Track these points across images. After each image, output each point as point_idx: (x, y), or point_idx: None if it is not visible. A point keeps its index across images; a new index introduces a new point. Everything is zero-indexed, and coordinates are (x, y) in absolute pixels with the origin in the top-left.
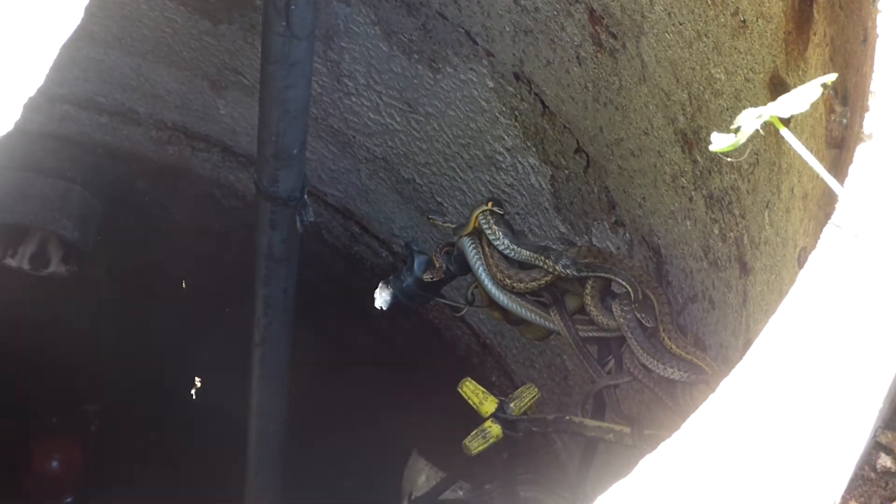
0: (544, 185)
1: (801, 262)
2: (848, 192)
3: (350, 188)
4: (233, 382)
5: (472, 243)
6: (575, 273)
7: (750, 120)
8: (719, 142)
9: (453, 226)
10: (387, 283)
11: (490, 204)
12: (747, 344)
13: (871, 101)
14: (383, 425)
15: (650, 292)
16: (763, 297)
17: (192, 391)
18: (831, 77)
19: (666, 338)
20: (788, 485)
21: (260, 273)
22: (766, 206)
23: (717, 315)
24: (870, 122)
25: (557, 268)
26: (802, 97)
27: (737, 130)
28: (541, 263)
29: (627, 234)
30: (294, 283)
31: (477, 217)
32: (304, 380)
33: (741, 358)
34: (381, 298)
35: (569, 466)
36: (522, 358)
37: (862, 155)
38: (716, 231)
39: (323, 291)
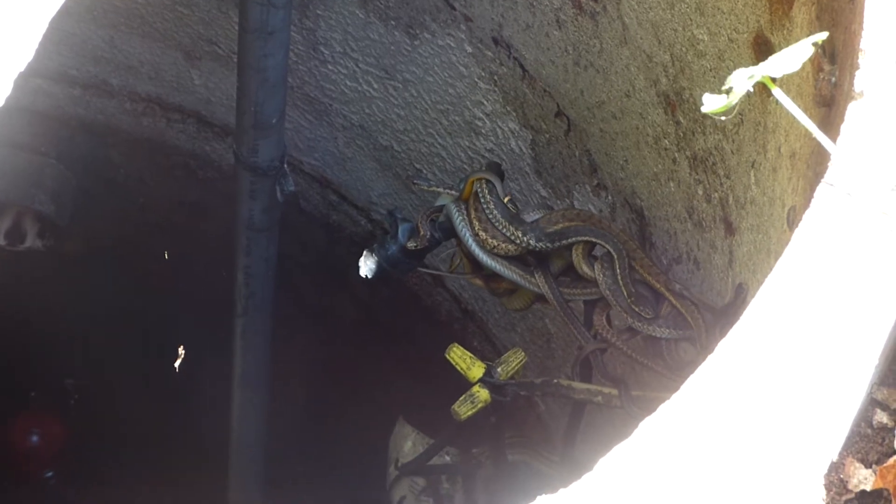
0: (525, 150)
1: (790, 222)
2: (840, 151)
3: (327, 156)
4: (215, 354)
5: (458, 208)
6: (545, 246)
7: (741, 81)
8: (711, 103)
9: (440, 190)
10: (371, 252)
11: (483, 176)
12: (730, 302)
13: (862, 59)
14: (367, 393)
15: (632, 253)
16: (750, 257)
17: (176, 364)
18: (822, 36)
19: (645, 274)
20: (787, 443)
21: (241, 243)
22: (752, 166)
23: (702, 275)
24: (861, 80)
25: (527, 241)
26: (793, 57)
27: (728, 91)
28: (512, 237)
29: (610, 197)
30: (275, 253)
31: (473, 183)
32: (287, 350)
33: (728, 318)
34: (366, 267)
35: (552, 428)
36: (504, 322)
37: (854, 113)
38: (700, 192)
39: (302, 261)
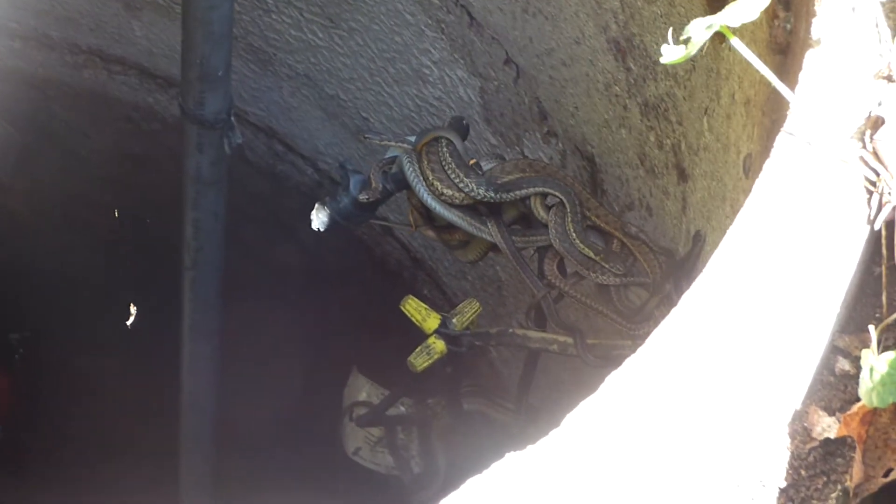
0: (473, 98)
1: (746, 169)
2: (799, 99)
3: (272, 106)
4: (163, 307)
5: (409, 159)
6: (498, 197)
7: (699, 31)
8: (670, 54)
9: (392, 143)
10: (323, 205)
11: (442, 135)
12: (686, 247)
13: (818, 7)
14: (319, 344)
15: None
16: (704, 204)
17: (128, 322)
18: None
19: (598, 220)
20: (751, 394)
21: (189, 197)
22: (705, 113)
23: (655, 222)
24: (817, 28)
25: (480, 192)
26: (751, 5)
27: (687, 42)
28: (465, 188)
29: (560, 145)
30: (224, 207)
31: (429, 140)
32: (236, 302)
33: (686, 267)
34: (318, 220)
35: (504, 375)
36: (455, 271)
37: (811, 61)
38: (652, 138)
39: (248, 212)
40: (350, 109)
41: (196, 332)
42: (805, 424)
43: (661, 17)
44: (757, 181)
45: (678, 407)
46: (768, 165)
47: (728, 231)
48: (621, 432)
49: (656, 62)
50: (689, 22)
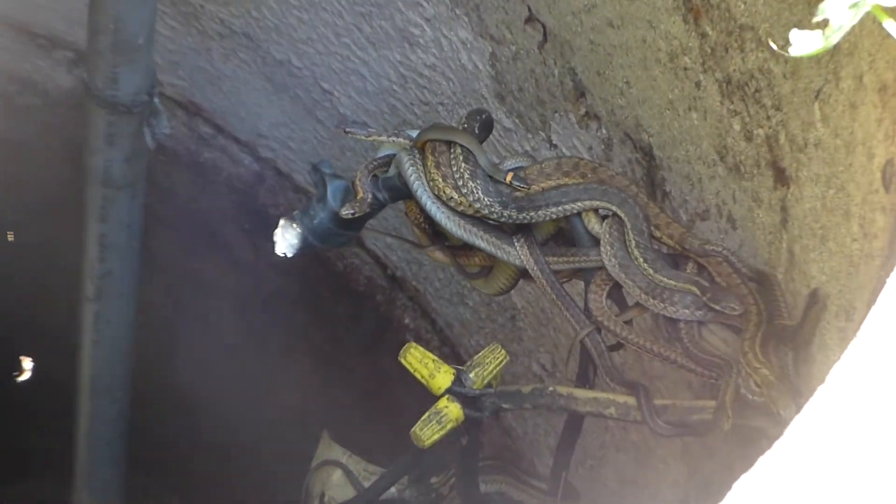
0: (481, 67)
1: (886, 180)
2: None
3: (197, 74)
4: (53, 354)
5: (412, 159)
6: (521, 218)
7: (840, 10)
8: (802, 43)
9: (383, 138)
10: (290, 221)
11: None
12: (791, 277)
13: None
14: (257, 397)
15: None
16: (816, 218)
17: (19, 377)
18: None
19: (663, 235)
20: None
21: (93, 205)
22: (816, 97)
23: (741, 237)
24: None
25: (508, 215)
26: None
27: (824, 25)
28: (487, 210)
29: (603, 131)
30: (140, 217)
31: (436, 138)
32: (149, 340)
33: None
34: (285, 242)
35: (523, 443)
36: (449, 293)
37: None
38: (736, 126)
39: (162, 214)
40: (306, 80)
41: (100, 381)
42: None
43: None
44: None
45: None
46: None
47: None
48: None
49: (744, 26)
50: None
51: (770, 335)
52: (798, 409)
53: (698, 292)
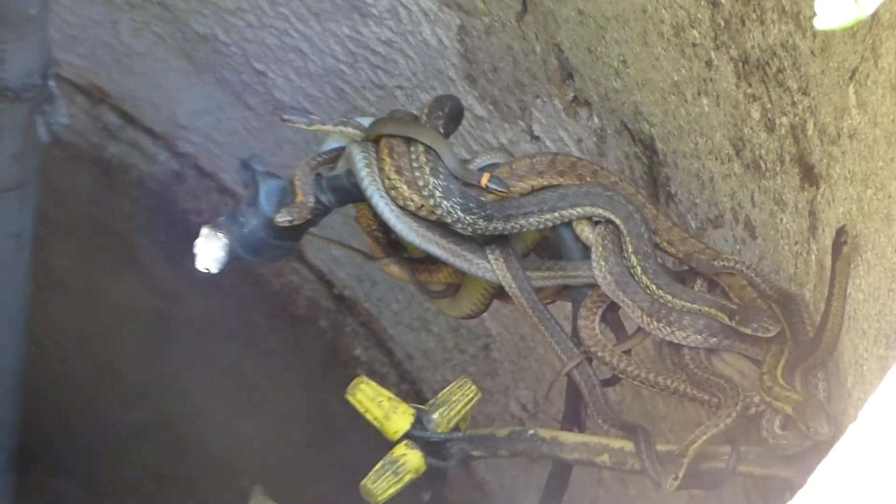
0: (447, 43)
1: None
2: None
3: (101, 52)
4: None
5: (365, 153)
6: (493, 228)
7: None
8: (832, 14)
9: (330, 128)
10: (215, 230)
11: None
12: (821, 295)
13: None
14: (175, 443)
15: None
16: (852, 224)
17: None
18: None
19: (667, 244)
20: None
21: None
22: (851, 78)
23: (762, 247)
24: None
25: (483, 226)
26: None
27: None
28: (456, 221)
29: (595, 120)
30: (32, 225)
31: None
32: (41, 376)
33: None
34: (209, 255)
35: (497, 498)
36: (409, 317)
37: None
38: (755, 114)
39: (59, 222)
40: (235, 57)
41: None
42: None
43: None
44: None
45: None
46: None
47: None
48: None
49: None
50: None
51: (796, 362)
52: (831, 427)
53: (727, 319)
